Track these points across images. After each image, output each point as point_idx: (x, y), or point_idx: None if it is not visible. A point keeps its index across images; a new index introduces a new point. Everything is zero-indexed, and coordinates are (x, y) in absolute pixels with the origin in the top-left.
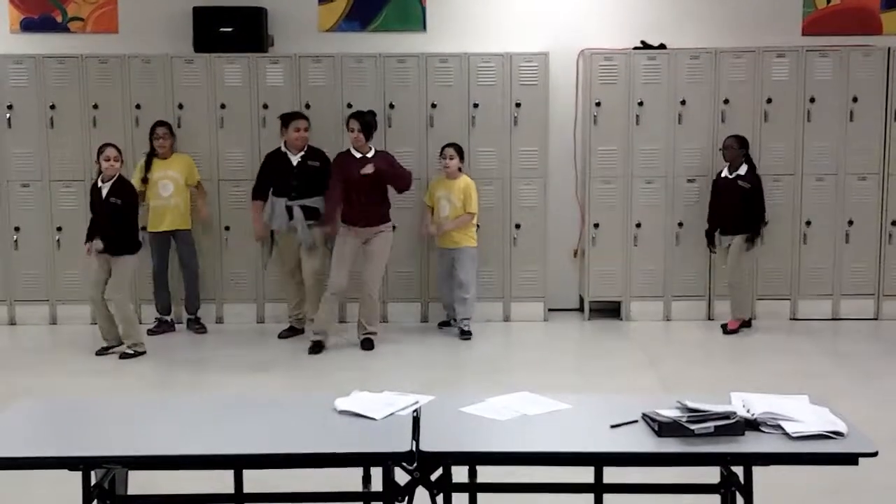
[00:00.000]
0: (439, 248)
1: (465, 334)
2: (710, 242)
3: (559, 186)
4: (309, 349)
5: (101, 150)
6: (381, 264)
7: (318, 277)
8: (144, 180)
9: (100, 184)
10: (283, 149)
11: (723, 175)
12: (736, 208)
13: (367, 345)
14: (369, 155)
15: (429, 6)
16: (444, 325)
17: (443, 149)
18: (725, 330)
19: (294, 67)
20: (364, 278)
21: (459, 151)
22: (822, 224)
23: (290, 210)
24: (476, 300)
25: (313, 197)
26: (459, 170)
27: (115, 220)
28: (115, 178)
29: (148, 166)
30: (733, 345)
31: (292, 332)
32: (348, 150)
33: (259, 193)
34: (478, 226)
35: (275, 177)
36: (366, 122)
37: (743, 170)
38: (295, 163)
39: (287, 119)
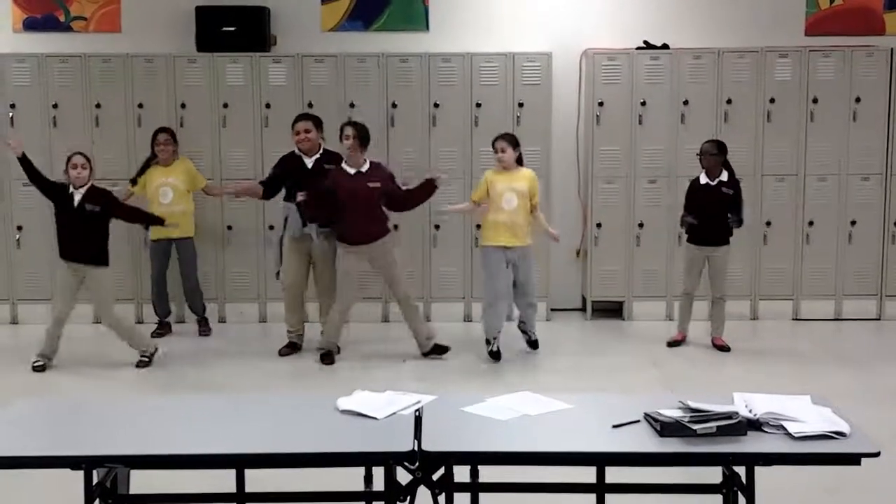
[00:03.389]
0: (489, 247)
1: (534, 344)
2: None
3: (562, 186)
4: (320, 358)
5: (69, 159)
6: (397, 270)
7: (333, 290)
8: (134, 181)
9: (71, 189)
10: (298, 152)
11: (702, 182)
12: (721, 217)
13: (439, 349)
14: (364, 169)
15: (432, 6)
16: (496, 352)
17: (494, 142)
18: (719, 347)
19: (297, 67)
20: (392, 290)
21: (513, 141)
22: (825, 224)
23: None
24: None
25: None
26: (519, 161)
27: (92, 228)
28: (88, 186)
29: (143, 169)
30: (736, 345)
31: (293, 348)
32: (340, 167)
33: (266, 183)
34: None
35: (289, 180)
36: (364, 132)
37: (724, 176)
38: (310, 166)
39: (294, 122)
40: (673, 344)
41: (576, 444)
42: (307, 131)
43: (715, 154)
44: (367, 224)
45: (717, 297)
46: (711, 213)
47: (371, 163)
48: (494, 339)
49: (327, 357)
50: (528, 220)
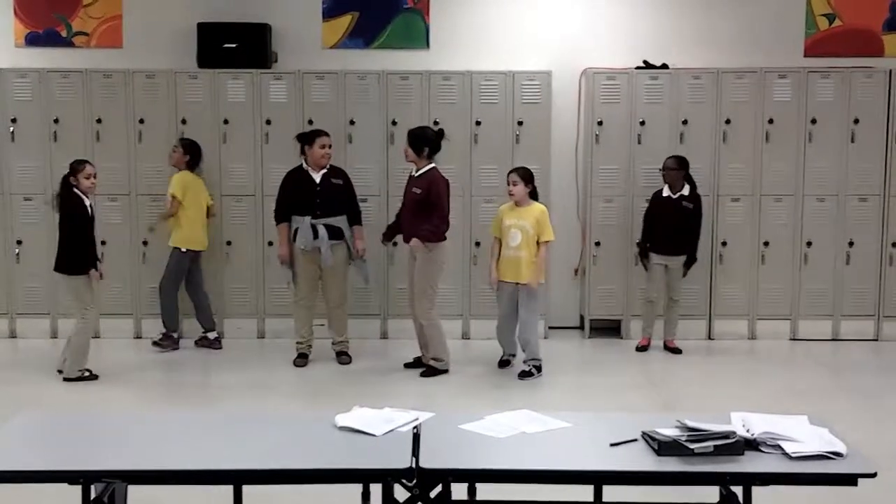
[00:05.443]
0: (500, 282)
1: (526, 374)
2: (644, 257)
3: (561, 204)
4: (421, 373)
5: (84, 167)
6: (421, 283)
7: (342, 302)
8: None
9: (89, 201)
10: (305, 166)
11: (664, 195)
12: (678, 228)
13: (427, 372)
14: (416, 174)
15: (432, 24)
16: (504, 364)
17: (508, 174)
18: (671, 349)
19: (297, 84)
20: (410, 299)
21: (525, 176)
22: (823, 245)
23: (314, 229)
24: (538, 337)
25: (337, 216)
26: (531, 195)
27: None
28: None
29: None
30: (733, 364)
31: (305, 359)
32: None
33: (282, 215)
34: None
35: (297, 195)
36: (414, 136)
37: (686, 190)
38: (318, 180)
39: (311, 136)
40: (640, 349)
41: (573, 463)
42: (331, 147)
43: (675, 169)
44: (407, 224)
45: (673, 300)
46: (670, 224)
47: (426, 171)
48: (503, 355)
49: (429, 371)
50: (532, 256)
